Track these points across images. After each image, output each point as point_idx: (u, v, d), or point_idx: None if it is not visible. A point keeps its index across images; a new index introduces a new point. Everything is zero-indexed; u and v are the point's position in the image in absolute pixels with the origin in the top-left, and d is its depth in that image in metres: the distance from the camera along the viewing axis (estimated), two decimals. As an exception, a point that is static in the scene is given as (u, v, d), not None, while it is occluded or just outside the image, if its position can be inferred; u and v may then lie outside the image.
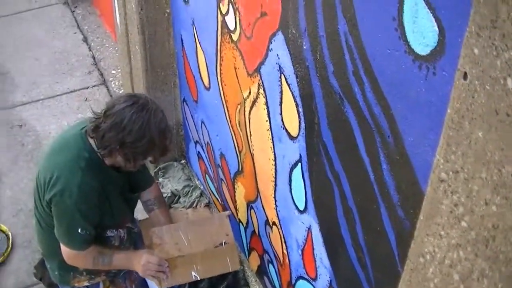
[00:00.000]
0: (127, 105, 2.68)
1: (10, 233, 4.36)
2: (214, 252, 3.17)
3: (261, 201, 3.26)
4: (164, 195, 4.50)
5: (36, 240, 3.13)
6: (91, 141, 2.82)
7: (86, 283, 3.24)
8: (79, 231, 2.85)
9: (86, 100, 5.76)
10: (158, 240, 3.13)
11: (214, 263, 3.22)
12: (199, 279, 3.27)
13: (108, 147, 2.75)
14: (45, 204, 2.87)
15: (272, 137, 2.83)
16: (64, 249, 2.95)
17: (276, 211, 3.07)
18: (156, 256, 3.08)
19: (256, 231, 3.52)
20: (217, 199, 4.20)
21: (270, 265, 3.48)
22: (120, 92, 5.66)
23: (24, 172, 4.92)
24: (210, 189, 4.30)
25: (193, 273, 3.19)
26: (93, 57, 6.41)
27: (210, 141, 3.86)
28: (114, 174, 2.96)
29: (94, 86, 6.00)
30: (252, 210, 3.46)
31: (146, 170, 3.29)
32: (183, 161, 4.81)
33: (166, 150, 2.86)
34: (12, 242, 4.32)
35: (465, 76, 1.26)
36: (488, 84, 1.20)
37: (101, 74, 6.16)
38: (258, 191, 3.27)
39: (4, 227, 4.40)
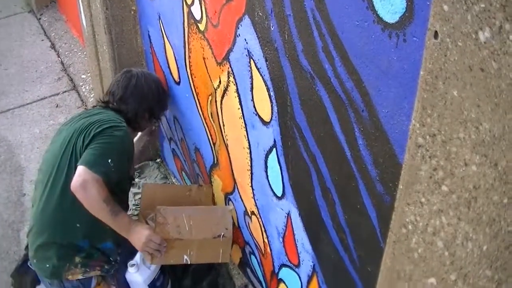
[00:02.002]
0: (129, 78, 3.34)
1: (-14, 245, 4.30)
2: (210, 242, 3.23)
3: (239, 192, 3.23)
4: (140, 195, 4.46)
5: (36, 227, 3.06)
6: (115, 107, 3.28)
7: (80, 276, 3.18)
8: (109, 161, 2.96)
9: (57, 106, 5.71)
10: (161, 219, 3.21)
11: (207, 252, 3.29)
12: (189, 263, 3.32)
13: (141, 121, 3.37)
14: (85, 145, 3.01)
15: (245, 124, 2.79)
16: (81, 172, 2.92)
17: (254, 200, 3.04)
18: (159, 236, 3.13)
19: (236, 223, 3.49)
20: (195, 195, 4.15)
21: (252, 256, 3.45)
22: (91, 96, 5.62)
23: (-4, 183, 4.86)
24: (187, 185, 4.25)
25: (185, 257, 3.26)
26: (62, 63, 6.36)
27: (184, 137, 3.81)
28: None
29: (65, 92, 5.95)
30: (230, 202, 3.43)
31: None
32: (158, 160, 4.77)
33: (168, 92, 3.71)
34: (-12, 254, 4.26)
35: (435, 35, 1.23)
36: (460, 40, 1.17)
37: (71, 80, 6.11)
38: (235, 182, 3.23)
39: (-21, 239, 4.34)
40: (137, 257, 3.42)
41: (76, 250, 3.08)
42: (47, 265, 3.13)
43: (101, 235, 3.13)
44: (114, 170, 2.96)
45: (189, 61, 3.27)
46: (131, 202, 4.52)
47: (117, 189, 3.12)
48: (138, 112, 3.31)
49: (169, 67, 3.65)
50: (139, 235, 3.09)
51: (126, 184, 3.32)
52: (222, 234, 3.21)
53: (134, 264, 3.40)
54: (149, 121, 3.50)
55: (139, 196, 4.45)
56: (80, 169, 2.91)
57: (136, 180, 4.62)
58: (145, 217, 3.36)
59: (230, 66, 2.76)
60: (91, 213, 2.95)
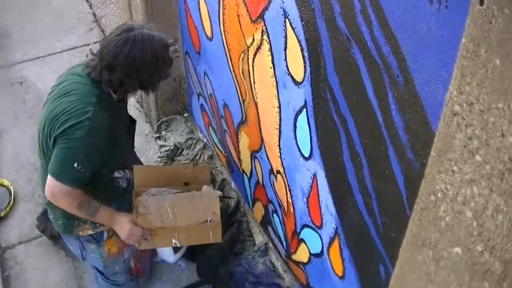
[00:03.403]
0: (124, 41, 2.79)
1: (12, 188, 4.37)
2: (197, 228, 3.20)
3: (265, 150, 3.23)
4: (167, 148, 4.50)
5: (41, 190, 3.09)
6: (96, 78, 2.88)
7: (90, 232, 3.23)
8: (75, 165, 2.82)
9: (87, 56, 5.65)
10: (143, 209, 3.13)
11: (196, 236, 3.27)
12: (178, 246, 3.35)
13: (129, 91, 2.98)
14: (52, 143, 2.86)
15: (277, 83, 2.78)
16: (50, 183, 2.89)
17: (281, 159, 3.04)
18: (139, 228, 3.12)
19: (260, 181, 3.50)
20: (220, 150, 4.17)
21: (274, 215, 3.47)
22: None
23: (26, 128, 4.90)
24: (213, 141, 4.27)
25: (174, 240, 3.24)
26: (94, 15, 6.34)
27: (213, 92, 3.81)
28: (121, 106, 3.07)
29: (95, 42, 5.91)
30: (256, 160, 3.43)
31: None
32: (186, 114, 4.77)
33: (172, 60, 3.01)
34: (14, 196, 4.32)
35: (481, 1, 1.21)
36: (506, 8, 1.15)
37: (102, 31, 6.10)
38: (262, 140, 3.23)
39: (6, 182, 4.41)
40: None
41: None
42: (59, 222, 3.18)
43: (103, 201, 3.15)
44: (85, 170, 2.86)
45: (222, 18, 3.25)
46: (157, 154, 4.56)
47: (100, 179, 3.08)
48: (125, 84, 2.91)
49: (202, 23, 3.62)
50: (120, 227, 3.12)
51: (111, 170, 3.18)
52: (209, 219, 3.18)
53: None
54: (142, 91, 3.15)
55: (165, 148, 4.48)
56: (49, 179, 2.89)
57: (163, 133, 4.64)
58: (139, 195, 3.32)
59: (265, 25, 2.74)
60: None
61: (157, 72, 2.95)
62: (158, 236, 3.19)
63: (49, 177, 2.87)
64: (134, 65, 2.82)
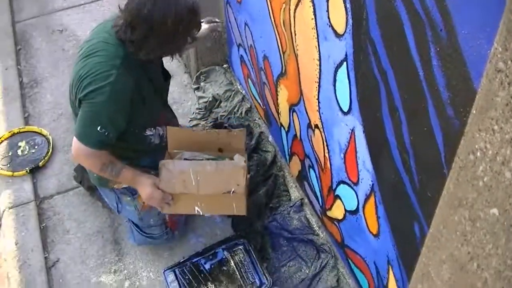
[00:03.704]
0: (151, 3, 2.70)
1: (50, 137, 4.41)
2: (220, 197, 3.18)
3: (304, 104, 3.19)
4: (205, 99, 4.48)
5: None
6: (122, 37, 2.84)
7: (124, 185, 3.26)
8: (98, 128, 2.85)
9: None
10: (167, 173, 3.12)
11: (219, 205, 3.27)
12: (201, 214, 3.32)
13: (151, 53, 2.85)
14: (77, 104, 2.86)
15: (318, 35, 2.72)
16: (75, 144, 2.94)
17: (319, 114, 3.00)
18: (160, 192, 3.14)
19: (298, 135, 3.47)
20: (259, 103, 4.14)
21: (311, 170, 3.44)
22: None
23: (65, 76, 4.92)
24: (252, 93, 4.24)
25: (197, 208, 3.26)
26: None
27: (254, 44, 3.77)
28: (149, 67, 3.00)
29: (137, -10, 5.90)
30: (295, 113, 3.40)
31: None
32: (225, 66, 4.74)
33: (200, 24, 2.96)
34: (52, 146, 4.36)
35: (532, -48, 1.15)
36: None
37: (144, -20, 6.05)
38: (301, 93, 3.19)
39: (45, 131, 4.45)
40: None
41: None
42: (94, 175, 3.21)
43: (135, 157, 3.16)
44: (109, 133, 2.88)
45: (265, -34, 3.19)
46: (195, 105, 4.55)
47: (130, 137, 3.12)
48: (145, 46, 2.82)
49: (244, -29, 3.58)
50: (142, 189, 3.16)
51: (140, 129, 3.20)
52: (232, 190, 3.14)
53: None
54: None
55: (204, 100, 4.46)
56: (74, 140, 2.94)
57: (202, 84, 4.62)
58: (173, 157, 3.31)
59: (307, -26, 2.69)
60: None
61: (178, 37, 2.85)
62: (180, 201, 3.22)
63: (74, 138, 2.92)
64: (153, 26, 2.73)
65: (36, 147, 4.36)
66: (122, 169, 3.07)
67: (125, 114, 2.91)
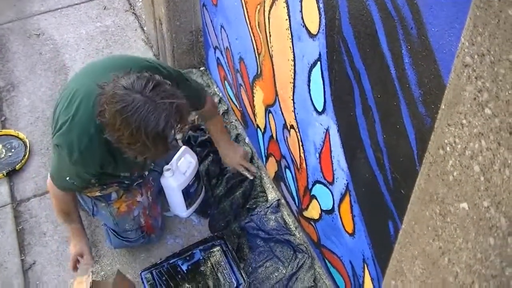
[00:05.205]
0: (122, 106, 2.46)
1: (27, 141, 4.39)
2: None
3: (280, 105, 3.21)
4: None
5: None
6: None
7: (97, 193, 3.29)
8: (67, 178, 2.93)
9: (105, 8, 5.68)
10: None
11: None
12: None
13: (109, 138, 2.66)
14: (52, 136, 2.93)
15: (292, 36, 2.74)
16: (49, 178, 3.08)
17: (294, 114, 3.02)
18: (75, 255, 3.44)
19: (274, 136, 3.48)
20: (236, 105, 4.15)
21: (287, 171, 3.46)
22: (139, 0, 5.58)
23: (42, 80, 4.91)
24: (229, 95, 4.25)
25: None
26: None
27: (230, 46, 3.78)
28: None
29: (114, -6, 5.90)
30: (270, 114, 3.41)
31: (192, 90, 3.21)
32: (202, 68, 4.75)
33: (164, 152, 2.66)
34: (29, 149, 4.34)
35: None
36: (521, -45, 1.11)
37: (121, -17, 6.05)
38: (276, 94, 3.21)
39: (21, 135, 4.42)
40: (173, 162, 3.46)
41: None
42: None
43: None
44: (77, 183, 2.96)
45: (240, -32, 3.21)
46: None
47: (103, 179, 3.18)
48: (106, 133, 2.63)
49: (220, -27, 3.59)
50: (72, 244, 3.41)
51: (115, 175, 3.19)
52: None
53: (169, 169, 3.44)
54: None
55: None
56: (49, 174, 3.06)
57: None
58: None
59: (281, -25, 2.70)
60: None
61: (133, 150, 2.64)
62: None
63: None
64: (118, 129, 2.52)
65: (13, 150, 4.34)
66: (70, 224, 3.31)
67: (94, 173, 2.96)
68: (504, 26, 1.18)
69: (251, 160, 4.05)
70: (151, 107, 2.45)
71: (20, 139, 4.41)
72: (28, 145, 4.35)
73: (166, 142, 2.58)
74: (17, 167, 4.22)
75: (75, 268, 3.41)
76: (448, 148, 1.47)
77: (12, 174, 4.21)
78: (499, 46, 1.21)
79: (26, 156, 4.29)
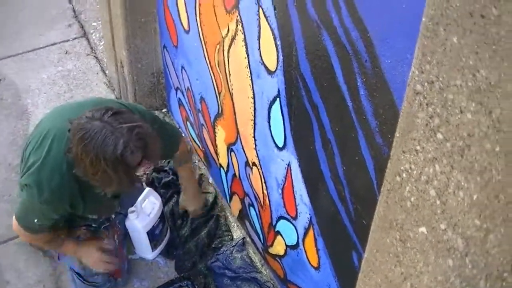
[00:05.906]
0: (82, 134, 2.44)
1: (-12, 187, 4.34)
2: None
3: (241, 142, 3.24)
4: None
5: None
6: None
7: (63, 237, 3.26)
8: (36, 221, 2.88)
9: (66, 53, 5.69)
10: None
11: None
12: None
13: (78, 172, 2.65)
14: (21, 176, 2.89)
15: (251, 74, 2.79)
16: (14, 221, 2.99)
17: (256, 151, 3.05)
18: (108, 256, 3.37)
19: (237, 174, 3.51)
20: (198, 145, 4.17)
21: (251, 208, 3.47)
22: (101, 44, 5.61)
23: (3, 126, 4.86)
24: (191, 135, 4.27)
25: None
26: (74, 10, 6.30)
27: (191, 86, 3.81)
28: None
29: (75, 38, 5.90)
30: (233, 153, 3.44)
31: (167, 131, 3.22)
32: (164, 110, 4.77)
33: (128, 181, 2.62)
34: (-10, 195, 4.29)
35: (439, -21, 1.22)
36: (463, -15, 1.16)
37: (82, 27, 6.06)
38: (237, 132, 3.24)
39: (-17, 181, 4.37)
40: (137, 203, 3.46)
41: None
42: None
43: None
44: (45, 225, 2.93)
45: (199, 9, 3.25)
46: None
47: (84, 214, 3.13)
48: (76, 168, 2.62)
49: (179, 15, 3.63)
50: (88, 255, 3.30)
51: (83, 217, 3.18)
52: None
53: (133, 211, 3.44)
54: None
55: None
56: (14, 217, 2.99)
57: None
58: None
59: (239, 14, 2.75)
60: None
61: (95, 180, 2.60)
62: None
63: (14, 214, 2.99)
64: (77, 159, 2.53)
65: (-27, 197, 4.29)
66: (63, 242, 3.15)
67: (63, 213, 2.93)
68: (450, 53, 1.24)
69: (215, 200, 4.05)
70: (108, 132, 2.42)
71: (-19, 185, 4.37)
72: (-11, 192, 4.31)
73: (129, 169, 2.51)
74: (-21, 214, 4.16)
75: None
76: (404, 175, 1.51)
77: (-27, 221, 4.15)
78: (447, 73, 1.26)
79: (-12, 203, 4.24)
